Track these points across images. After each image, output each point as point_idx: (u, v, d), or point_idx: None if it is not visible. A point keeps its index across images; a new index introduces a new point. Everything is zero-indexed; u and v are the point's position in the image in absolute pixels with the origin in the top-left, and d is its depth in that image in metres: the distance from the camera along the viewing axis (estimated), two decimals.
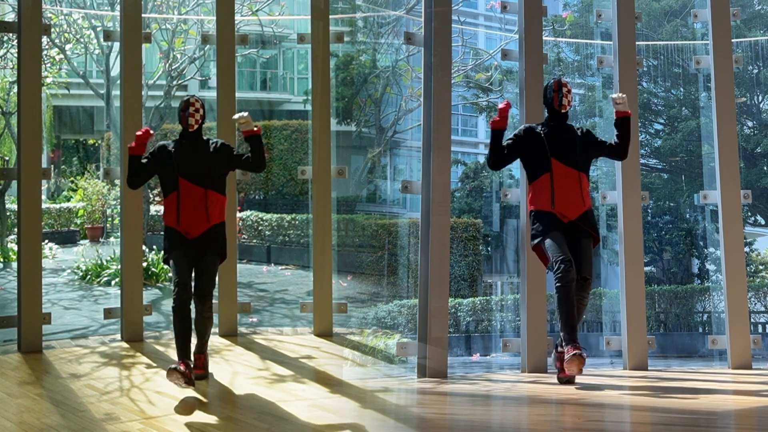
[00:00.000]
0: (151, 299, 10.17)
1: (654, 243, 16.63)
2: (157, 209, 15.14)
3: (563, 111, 5.45)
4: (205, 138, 5.32)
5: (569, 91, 5.45)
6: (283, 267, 13.52)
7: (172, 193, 5.20)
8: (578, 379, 5.49)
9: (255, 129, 5.25)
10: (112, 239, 13.95)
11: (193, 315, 5.15)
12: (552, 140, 5.39)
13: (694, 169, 16.85)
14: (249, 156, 5.29)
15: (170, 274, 11.38)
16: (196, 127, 5.26)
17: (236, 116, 5.26)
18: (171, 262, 5.19)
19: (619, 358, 6.60)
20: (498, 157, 5.47)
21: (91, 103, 16.59)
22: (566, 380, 5.42)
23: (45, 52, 12.52)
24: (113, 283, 10.51)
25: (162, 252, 5.43)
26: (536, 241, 5.39)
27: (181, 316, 5.04)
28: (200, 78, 14.15)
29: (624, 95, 5.52)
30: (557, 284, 5.21)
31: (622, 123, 5.52)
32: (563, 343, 5.26)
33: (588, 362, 5.91)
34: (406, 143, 16.42)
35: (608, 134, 5.72)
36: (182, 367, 4.88)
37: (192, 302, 5.14)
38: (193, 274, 5.18)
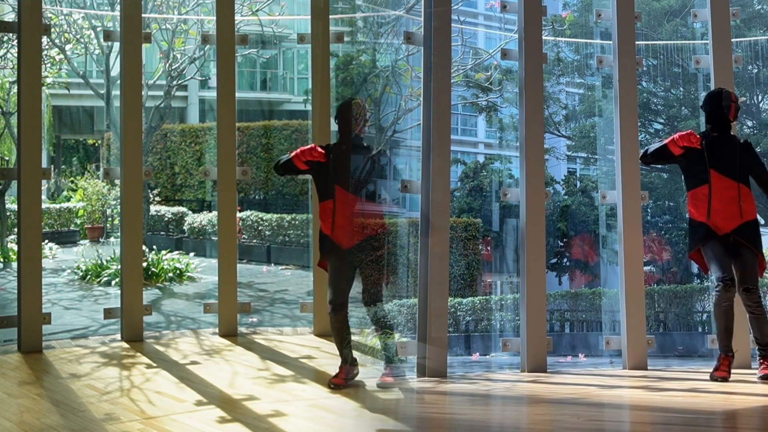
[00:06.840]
0: (151, 299, 10.17)
1: (654, 243, 16.62)
2: (157, 209, 15.14)
3: (734, 122, 5.55)
4: (365, 144, 5.49)
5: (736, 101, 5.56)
6: (283, 267, 13.52)
7: (329, 200, 5.30)
8: (577, 379, 5.50)
9: None
10: (112, 239, 13.95)
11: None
12: (713, 151, 5.46)
13: None
14: None
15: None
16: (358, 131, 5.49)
17: None
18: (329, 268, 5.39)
19: (619, 358, 6.59)
20: (659, 159, 5.67)
21: (91, 103, 16.59)
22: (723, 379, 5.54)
23: (45, 52, 12.51)
24: (113, 283, 10.50)
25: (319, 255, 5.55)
26: (692, 251, 5.58)
27: (341, 320, 5.33)
28: (200, 78, 14.14)
29: None
30: (714, 303, 5.52)
31: None
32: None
33: (588, 362, 5.93)
34: (406, 143, 16.40)
35: (608, 132, 5.71)
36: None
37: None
38: (350, 294, 5.47)
